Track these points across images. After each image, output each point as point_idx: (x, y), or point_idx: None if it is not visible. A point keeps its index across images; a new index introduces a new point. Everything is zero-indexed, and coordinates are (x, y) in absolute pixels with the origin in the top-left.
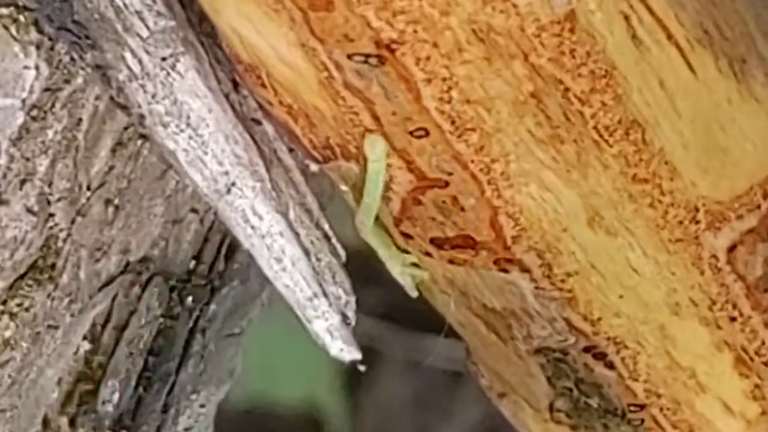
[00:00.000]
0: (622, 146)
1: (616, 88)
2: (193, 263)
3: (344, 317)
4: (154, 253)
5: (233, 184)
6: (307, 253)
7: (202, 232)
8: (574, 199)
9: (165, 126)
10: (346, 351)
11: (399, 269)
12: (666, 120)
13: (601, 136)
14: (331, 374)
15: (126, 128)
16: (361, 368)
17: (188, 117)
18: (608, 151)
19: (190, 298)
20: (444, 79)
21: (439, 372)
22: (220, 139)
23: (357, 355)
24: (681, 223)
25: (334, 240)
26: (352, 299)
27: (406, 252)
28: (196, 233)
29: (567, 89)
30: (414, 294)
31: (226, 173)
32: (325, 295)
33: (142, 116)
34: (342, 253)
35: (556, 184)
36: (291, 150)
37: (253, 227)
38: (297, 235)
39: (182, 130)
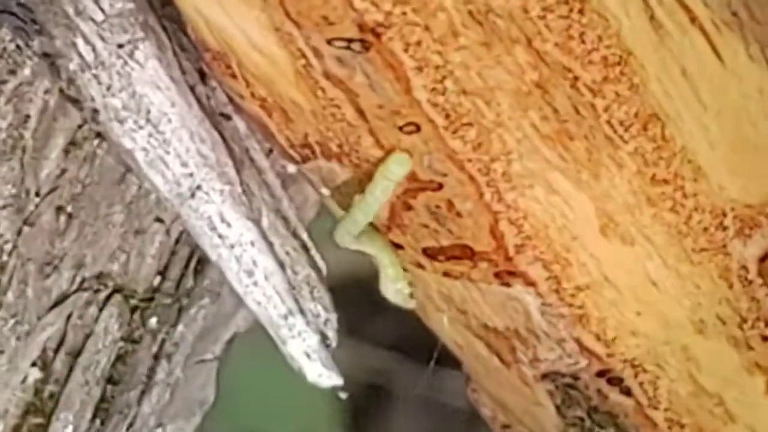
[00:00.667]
0: (639, 143)
1: (631, 77)
2: (157, 279)
3: (324, 337)
4: (112, 268)
5: (198, 187)
6: (281, 265)
7: (168, 244)
8: (585, 203)
9: (121, 122)
10: (325, 376)
11: (392, 288)
12: (689, 113)
13: (615, 131)
14: (333, 411)
15: (80, 126)
16: (342, 395)
17: (148, 111)
18: (623, 148)
19: (154, 319)
20: (437, 67)
21: (456, 410)
22: (184, 136)
23: (338, 381)
24: (706, 229)
25: (313, 251)
26: (333, 317)
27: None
28: (161, 245)
29: (576, 78)
30: (410, 305)
31: (191, 175)
32: (302, 312)
33: (95, 111)
34: (322, 265)
35: (564, 186)
36: (270, 152)
37: (220, 236)
38: (271, 245)
39: (141, 127)
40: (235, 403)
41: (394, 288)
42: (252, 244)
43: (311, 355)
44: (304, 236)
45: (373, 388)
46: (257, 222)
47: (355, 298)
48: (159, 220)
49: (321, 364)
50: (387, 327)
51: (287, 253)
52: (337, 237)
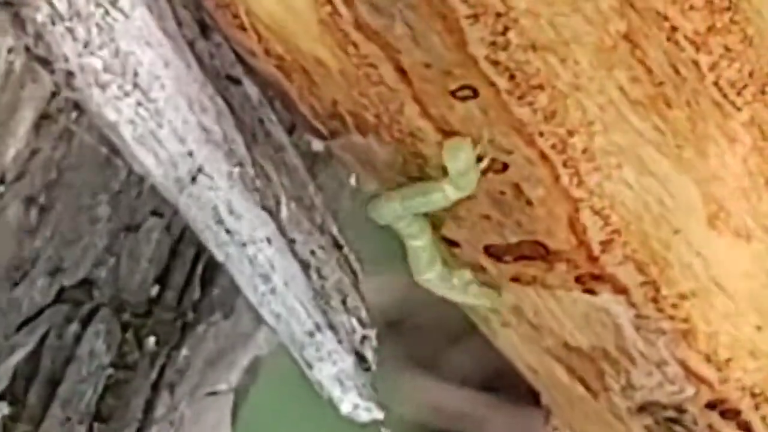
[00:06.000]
0: (756, 110)
1: (744, 26)
2: (155, 289)
3: (360, 359)
4: (98, 275)
5: (200, 169)
6: (306, 267)
7: (168, 243)
8: (689, 186)
9: (103, 87)
10: (362, 408)
11: (460, 291)
12: None
13: (724, 95)
14: None
15: (54, 95)
16: None
17: (136, 74)
18: (736, 117)
19: (151, 340)
20: (498, 15)
21: None
22: (181, 105)
23: (378, 415)
24: None
25: (346, 249)
26: (372, 333)
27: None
28: (159, 246)
29: (674, 28)
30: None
31: (190, 154)
32: (332, 327)
33: (70, 74)
34: (358, 267)
35: (661, 166)
36: (292, 127)
37: (228, 231)
38: (292, 242)
39: (127, 94)
40: None
41: (456, 289)
42: (268, 241)
43: (344, 381)
44: (335, 230)
45: None
46: (274, 213)
47: (428, 326)
48: (156, 213)
49: (357, 393)
50: (468, 361)
51: (312, 253)
52: (373, 210)
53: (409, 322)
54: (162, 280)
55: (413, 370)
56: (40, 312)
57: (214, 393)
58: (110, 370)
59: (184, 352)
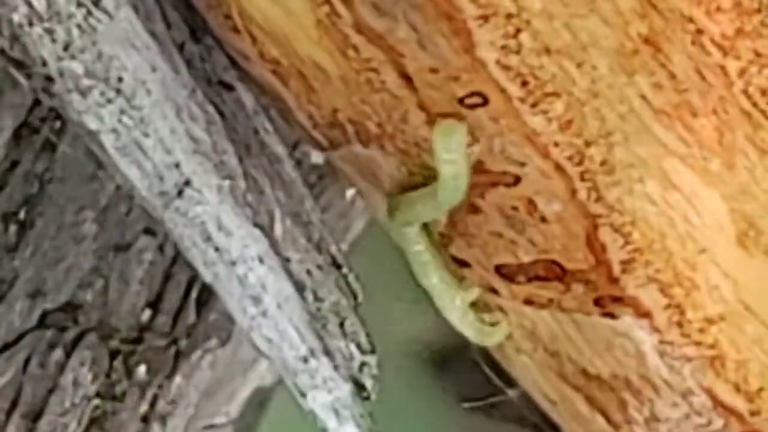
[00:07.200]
0: None
1: None
2: (147, 313)
3: (359, 387)
4: (84, 298)
5: (187, 182)
6: (301, 288)
7: (162, 264)
8: (716, 202)
9: (83, 93)
10: None
11: (458, 312)
12: None
13: (754, 104)
14: None
15: (36, 102)
16: None
17: (119, 79)
18: (766, 127)
19: (142, 368)
20: (509, 16)
21: None
22: (168, 112)
23: None
24: None
25: (345, 269)
26: (372, 360)
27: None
28: (152, 267)
29: (700, 31)
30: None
31: (177, 166)
32: (328, 353)
33: (48, 79)
34: (358, 288)
35: (687, 180)
36: (296, 144)
37: (217, 249)
38: (286, 261)
39: (110, 100)
40: None
41: (455, 309)
42: (260, 259)
43: (341, 411)
44: (334, 248)
45: None
46: (267, 230)
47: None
48: (148, 231)
49: (354, 424)
50: (524, 400)
51: (308, 273)
52: (383, 220)
53: (463, 357)
54: (154, 303)
55: (466, 408)
56: (20, 337)
57: (211, 426)
58: (96, 401)
59: (177, 381)
